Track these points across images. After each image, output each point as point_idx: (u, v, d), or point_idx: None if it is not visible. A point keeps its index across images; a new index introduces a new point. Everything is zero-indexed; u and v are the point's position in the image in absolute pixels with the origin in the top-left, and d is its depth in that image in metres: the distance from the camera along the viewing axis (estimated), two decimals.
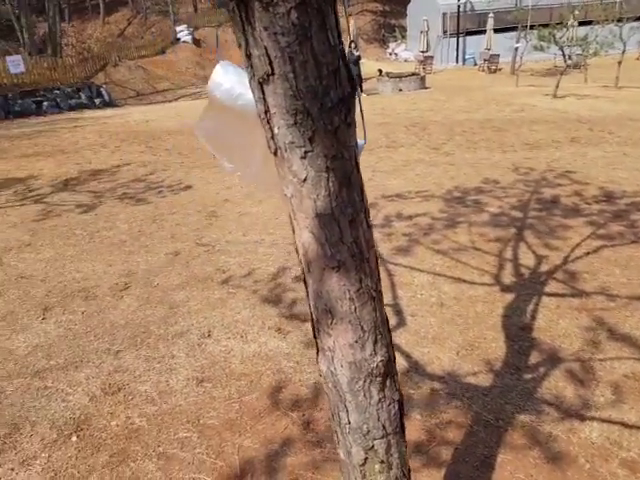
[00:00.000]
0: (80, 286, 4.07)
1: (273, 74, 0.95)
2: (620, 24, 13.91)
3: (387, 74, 16.03)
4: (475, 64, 20.87)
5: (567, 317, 3.40)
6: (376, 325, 1.21)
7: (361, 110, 1.32)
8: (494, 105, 12.34)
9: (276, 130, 1.02)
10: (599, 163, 7.09)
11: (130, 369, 3.01)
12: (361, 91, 14.76)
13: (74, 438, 2.50)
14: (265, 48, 0.93)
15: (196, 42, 27.11)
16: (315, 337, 1.30)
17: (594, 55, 13.45)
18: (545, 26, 13.45)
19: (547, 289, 3.77)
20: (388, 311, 3.52)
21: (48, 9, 19.78)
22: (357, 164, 1.14)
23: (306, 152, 1.01)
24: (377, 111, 12.33)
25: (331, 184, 1.05)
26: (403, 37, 25.64)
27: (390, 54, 25.47)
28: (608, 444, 2.35)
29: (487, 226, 4.96)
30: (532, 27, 15.18)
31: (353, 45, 14.95)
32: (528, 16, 16.56)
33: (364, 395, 1.22)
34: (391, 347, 1.30)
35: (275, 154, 1.08)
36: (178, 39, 26.42)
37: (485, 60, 19.35)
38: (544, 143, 8.45)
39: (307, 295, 1.25)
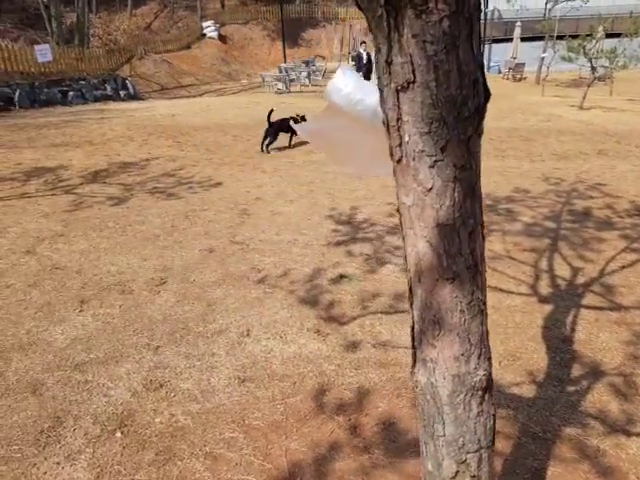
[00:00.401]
0: (116, 280, 4.10)
1: (414, 82, 0.94)
2: None
3: None
4: (499, 72, 20.73)
5: (606, 330, 3.36)
6: (482, 339, 1.21)
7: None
8: (520, 114, 12.25)
9: (406, 138, 1.02)
10: (629, 177, 7.02)
11: (171, 365, 3.03)
12: None
13: (118, 434, 2.51)
14: (410, 56, 0.92)
15: (222, 38, 27.21)
16: (414, 348, 1.29)
17: (623, 68, 13.27)
18: (574, 37, 13.31)
19: (585, 301, 3.73)
20: None
21: None
22: (480, 175, 1.13)
23: (436, 161, 1.01)
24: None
25: (456, 194, 1.05)
26: None
27: None
28: None
29: (521, 235, 4.92)
30: (559, 37, 15.03)
31: (364, 46, 14.90)
32: (555, 26, 16.39)
33: (464, 408, 1.22)
34: (491, 361, 1.29)
35: (398, 162, 1.07)
36: (204, 35, 26.54)
37: (510, 69, 19.21)
38: (572, 154, 8.37)
39: (410, 305, 1.25)
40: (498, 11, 20.20)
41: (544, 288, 3.93)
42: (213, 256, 4.50)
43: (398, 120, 1.02)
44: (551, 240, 4.82)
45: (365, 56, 14.64)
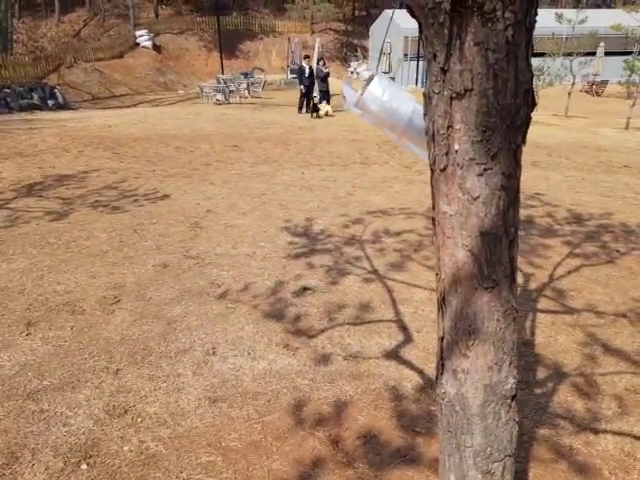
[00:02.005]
0: (64, 299, 3.80)
1: (471, 90, 0.93)
2: (570, 58, 14.92)
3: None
4: None
5: (563, 333, 3.54)
6: (513, 347, 1.21)
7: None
8: None
9: (456, 146, 1.01)
10: (563, 187, 7.52)
11: (134, 389, 2.83)
12: (328, 104, 14.94)
13: (84, 466, 2.30)
14: (470, 63, 0.91)
15: (156, 48, 26.51)
16: (442, 359, 1.27)
17: (549, 85, 14.33)
18: None
19: (540, 306, 3.92)
20: (393, 327, 3.53)
21: None
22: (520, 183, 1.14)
23: (485, 169, 1.01)
24: (346, 128, 12.51)
25: (502, 203, 1.05)
26: (364, 57, 26.28)
27: (352, 73, 26.00)
28: (624, 456, 2.46)
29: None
30: None
31: (322, 62, 15.14)
32: None
33: (493, 417, 1.21)
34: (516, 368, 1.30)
35: (443, 170, 1.06)
36: (137, 44, 25.73)
37: None
38: None
39: (441, 316, 1.22)
40: None
41: None
42: (168, 272, 4.29)
43: (449, 128, 1.01)
44: None
45: (307, 70, 14.80)
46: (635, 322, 3.70)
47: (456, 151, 1.02)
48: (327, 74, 14.66)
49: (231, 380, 2.94)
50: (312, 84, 14.74)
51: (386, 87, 1.59)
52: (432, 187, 1.15)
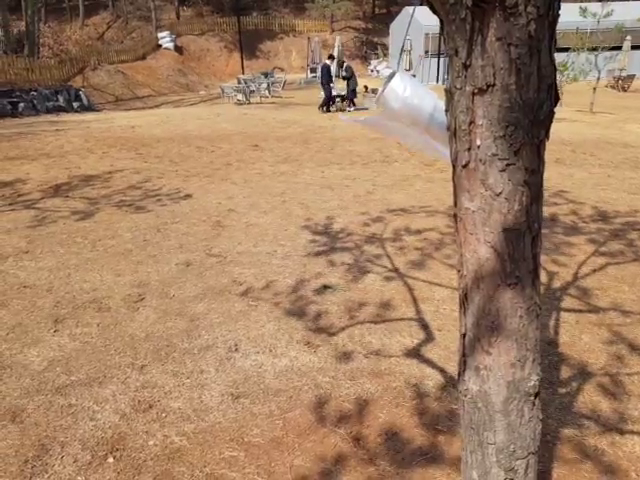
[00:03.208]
0: (90, 297, 3.90)
1: (494, 85, 0.94)
2: (595, 53, 14.58)
3: (373, 90, 16.26)
4: None
5: (588, 332, 3.48)
6: (537, 344, 1.20)
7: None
8: None
9: (478, 142, 1.01)
10: (587, 184, 7.36)
11: (159, 385, 2.89)
12: (354, 105, 14.96)
13: (110, 459, 2.37)
14: (493, 58, 0.91)
15: (178, 49, 26.86)
16: (464, 356, 1.27)
17: (574, 80, 14.01)
18: None
19: (564, 305, 3.85)
20: (414, 325, 3.52)
21: (26, 7, 19.22)
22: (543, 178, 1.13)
23: (508, 165, 1.01)
24: (367, 126, 12.46)
25: (524, 198, 1.05)
26: (385, 55, 26.13)
27: (372, 71, 25.87)
28: None
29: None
30: None
31: (344, 61, 15.15)
32: None
33: (516, 414, 1.21)
34: (540, 365, 1.29)
35: (465, 166, 1.06)
36: (159, 45, 26.10)
37: None
38: None
39: (463, 312, 1.23)
40: None
41: None
42: (191, 270, 4.36)
43: (471, 124, 1.01)
44: None
45: (350, 71, 14.81)
46: None
47: (478, 147, 1.02)
48: (352, 72, 14.69)
49: (253, 377, 2.97)
50: (330, 82, 14.76)
51: (407, 84, 1.59)
52: (454, 184, 1.15)
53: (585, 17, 17.85)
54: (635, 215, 5.92)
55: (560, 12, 0.96)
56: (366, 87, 15.75)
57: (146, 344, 3.28)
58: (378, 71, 25.32)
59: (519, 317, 1.14)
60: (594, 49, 14.84)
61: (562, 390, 2.89)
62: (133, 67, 23.85)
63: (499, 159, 1.01)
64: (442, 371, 3.04)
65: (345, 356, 3.17)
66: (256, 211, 5.98)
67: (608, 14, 17.56)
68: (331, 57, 15.44)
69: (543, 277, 4.27)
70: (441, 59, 21.87)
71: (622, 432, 2.57)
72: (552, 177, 7.75)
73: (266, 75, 22.64)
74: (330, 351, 3.23)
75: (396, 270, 4.42)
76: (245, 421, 2.61)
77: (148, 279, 4.18)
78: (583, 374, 3.03)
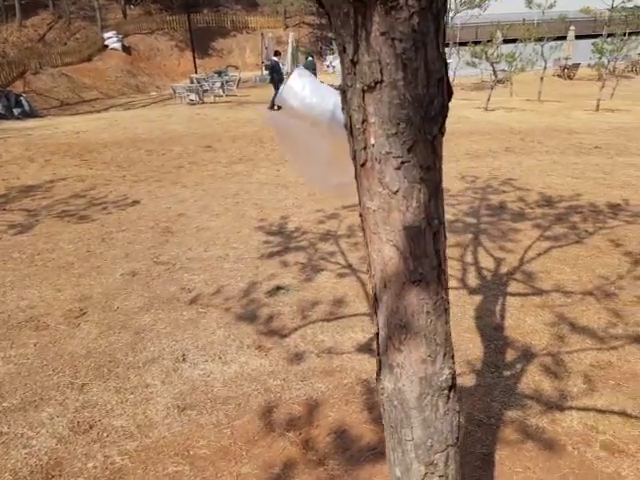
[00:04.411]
0: (27, 315, 3.70)
1: (382, 82, 0.90)
2: (541, 43, 15.07)
3: (330, 86, 16.23)
4: None
5: (532, 315, 3.57)
6: (447, 338, 1.19)
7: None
8: None
9: (372, 140, 0.98)
10: (535, 171, 7.57)
11: (100, 403, 2.76)
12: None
13: None
14: (378, 54, 0.88)
15: (126, 50, 26.04)
16: (379, 355, 1.25)
17: (521, 71, 14.44)
18: (476, 43, 14.28)
19: (509, 289, 3.94)
20: (367, 320, 3.51)
21: None
22: (442, 174, 1.12)
23: (402, 162, 0.98)
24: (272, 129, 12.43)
25: (422, 195, 1.02)
26: None
27: (328, 66, 25.87)
28: (587, 430, 2.50)
29: (445, 232, 5.11)
30: (461, 44, 16.04)
31: (278, 57, 15.04)
32: (458, 33, 17.51)
33: (431, 409, 1.20)
34: (454, 359, 1.28)
35: (363, 165, 1.03)
36: (106, 46, 25.23)
37: None
38: (483, 153, 8.91)
39: (375, 312, 1.20)
40: None
41: (472, 280, 4.10)
42: (137, 280, 4.20)
43: (364, 122, 0.98)
44: (473, 234, 5.06)
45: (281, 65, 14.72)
46: (601, 299, 3.75)
47: (373, 145, 0.99)
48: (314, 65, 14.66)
49: (201, 386, 2.88)
50: (282, 80, 14.66)
51: (306, 81, 1.55)
52: (357, 183, 1.12)
53: (531, 8, 18.44)
54: (578, 199, 6.13)
55: (448, 6, 0.93)
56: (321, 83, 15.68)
57: (87, 361, 3.13)
58: (334, 67, 25.35)
59: (426, 313, 1.13)
60: (540, 39, 15.32)
61: (507, 373, 2.94)
62: (78, 69, 22.96)
63: (393, 157, 0.98)
64: None
65: (297, 357, 3.13)
66: (208, 214, 5.85)
67: (552, 5, 18.19)
68: (277, 54, 15.29)
69: (490, 264, 4.36)
70: None
71: (562, 409, 2.65)
72: (502, 165, 7.95)
73: (220, 74, 22.25)
74: (282, 353, 3.17)
75: (350, 266, 4.41)
76: (191, 433, 2.52)
77: (91, 292, 4.00)
78: (527, 356, 3.10)
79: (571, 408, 2.66)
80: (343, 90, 1.01)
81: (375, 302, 1.20)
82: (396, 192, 1.02)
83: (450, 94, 1.01)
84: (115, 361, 3.13)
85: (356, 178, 1.11)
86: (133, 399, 2.79)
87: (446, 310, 1.18)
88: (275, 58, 14.81)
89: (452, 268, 4.32)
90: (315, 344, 3.25)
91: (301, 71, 1.61)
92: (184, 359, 3.14)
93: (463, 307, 3.69)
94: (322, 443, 2.43)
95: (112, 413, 2.68)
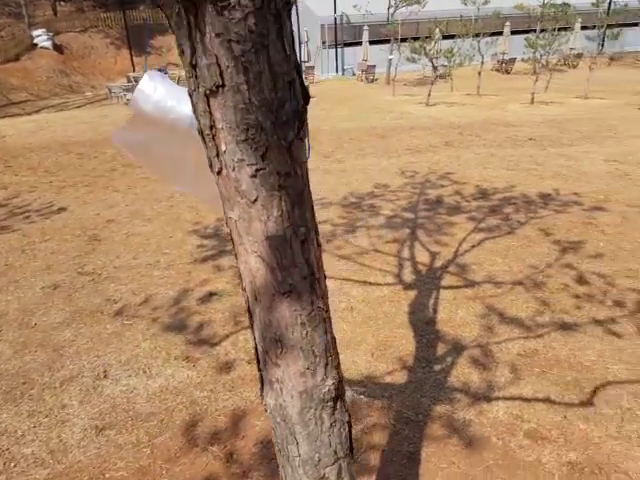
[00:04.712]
0: None
1: (223, 85, 0.83)
2: (478, 39, 15.50)
3: None
4: (354, 74, 21.80)
5: (464, 307, 3.62)
6: (327, 348, 1.13)
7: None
8: (375, 113, 12.97)
9: (223, 147, 0.90)
10: (472, 164, 7.75)
11: (10, 430, 2.55)
12: None
13: None
14: (216, 57, 0.81)
15: (58, 48, 24.72)
16: (260, 370, 1.17)
17: (459, 66, 14.79)
18: (416, 39, 14.51)
19: (443, 282, 3.99)
20: None
21: None
22: (308, 180, 1.05)
23: (257, 170, 0.91)
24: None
25: (283, 203, 0.95)
26: None
27: None
28: (512, 419, 2.55)
29: (383, 228, 5.13)
30: (403, 40, 16.26)
31: None
32: (399, 29, 17.73)
33: (315, 423, 1.13)
34: (340, 368, 1.22)
35: (219, 173, 0.95)
36: (35, 45, 23.86)
37: (363, 71, 20.29)
38: (423, 148, 9.04)
39: (251, 326, 1.13)
40: (346, 16, 21.22)
41: (408, 275, 4.12)
42: (58, 293, 3.95)
43: (212, 128, 0.90)
44: (410, 229, 5.10)
45: None
46: (530, 288, 3.85)
47: (224, 152, 0.92)
48: None
49: (122, 404, 2.72)
50: None
51: (158, 83, 1.45)
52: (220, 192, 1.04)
53: (466, 5, 18.95)
54: (511, 190, 6.31)
55: (292, 4, 0.87)
56: None
57: None
58: None
59: (301, 325, 1.06)
60: (477, 35, 15.74)
61: (438, 367, 2.96)
62: (5, 70, 21.60)
63: (247, 164, 0.92)
64: None
65: (227, 366, 3.02)
66: (139, 219, 5.60)
67: (486, 2, 18.76)
68: None
69: (426, 259, 4.39)
70: (339, 50, 22.16)
71: (489, 400, 2.68)
72: (441, 160, 8.10)
73: (159, 72, 21.57)
74: (211, 363, 3.05)
75: None
76: (108, 455, 2.37)
77: (7, 309, 3.72)
78: (457, 348, 3.13)
79: (498, 399, 2.70)
80: (190, 95, 0.93)
81: (249, 316, 1.12)
82: (254, 201, 0.95)
83: (307, 97, 0.95)
84: (29, 382, 2.91)
85: (218, 187, 1.03)
86: (47, 423, 2.60)
87: (324, 320, 1.12)
88: None
89: (389, 264, 4.33)
90: (246, 350, 3.15)
91: (152, 73, 1.51)
92: (105, 375, 2.96)
93: (398, 303, 3.69)
94: (247, 455, 2.34)
95: (23, 440, 2.49)
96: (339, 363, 1.22)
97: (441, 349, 3.13)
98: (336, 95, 16.95)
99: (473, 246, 4.65)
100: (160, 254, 4.64)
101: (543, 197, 6.02)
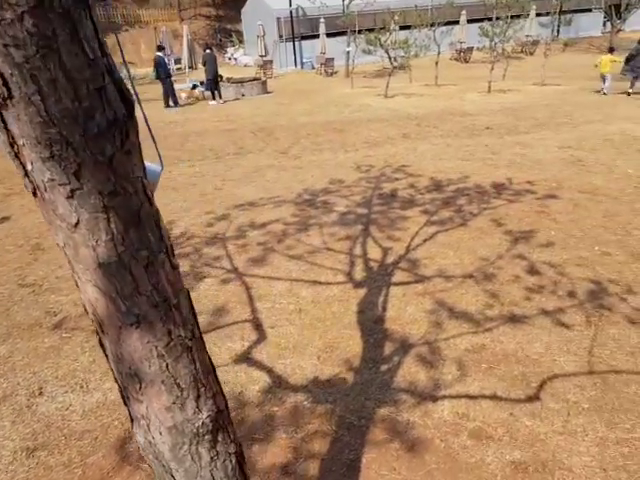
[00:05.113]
0: None
1: (11, 97, 0.74)
2: (433, 28, 15.60)
3: (228, 79, 15.79)
4: (313, 68, 21.66)
5: (413, 303, 3.62)
6: (196, 378, 1.06)
7: (150, 131, 1.15)
8: (334, 107, 12.92)
9: (29, 166, 0.81)
10: (428, 155, 7.80)
11: None
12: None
13: None
14: None
15: None
16: (127, 406, 1.09)
17: (415, 57, 14.87)
18: (371, 30, 14.48)
19: (394, 279, 3.98)
20: (247, 327, 3.38)
21: None
22: (149, 197, 0.97)
23: (72, 190, 0.83)
24: (222, 117, 12.08)
25: (113, 226, 0.87)
26: (240, 42, 25.56)
27: (229, 59, 25.19)
28: (458, 419, 2.53)
29: (336, 225, 5.10)
30: (360, 32, 16.22)
31: (163, 52, 14.45)
32: (356, 21, 17.68)
33: (192, 459, 1.07)
34: (220, 396, 1.15)
35: (34, 195, 0.86)
36: None
37: (322, 64, 20.18)
38: (381, 140, 9.05)
39: (107, 359, 1.05)
40: (302, 9, 21.04)
41: (358, 273, 4.10)
42: None
43: (13, 145, 0.81)
44: (363, 225, 5.08)
45: (167, 60, 14.13)
46: (480, 281, 3.88)
47: (32, 172, 0.84)
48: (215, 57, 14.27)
49: (57, 422, 2.62)
50: (168, 76, 14.05)
51: None
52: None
53: None
54: (465, 181, 6.38)
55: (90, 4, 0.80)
56: (220, 76, 15.22)
57: None
58: (236, 59, 24.77)
59: (158, 357, 1.00)
60: (432, 25, 15.84)
61: (384, 367, 2.94)
62: None
63: (59, 184, 0.83)
64: (270, 371, 2.94)
65: None
66: None
67: None
68: (160, 48, 14.58)
69: (377, 255, 4.39)
70: (296, 43, 21.96)
71: (435, 399, 2.67)
72: (398, 152, 8.12)
73: None
74: None
75: (235, 270, 4.25)
76: (37, 479, 2.27)
77: None
78: (405, 347, 3.12)
79: (444, 397, 2.68)
80: None
81: (102, 348, 1.05)
82: (76, 225, 0.87)
83: (130, 105, 0.87)
84: None
85: None
86: None
87: (189, 348, 1.05)
88: (159, 53, 14.11)
89: (340, 262, 4.31)
90: None
91: None
92: (41, 392, 2.84)
93: (347, 302, 3.67)
94: None
95: None
96: (218, 391, 1.15)
97: (388, 348, 3.12)
98: (294, 89, 16.81)
99: (425, 240, 4.67)
100: None
101: (497, 187, 6.10)
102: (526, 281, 3.85)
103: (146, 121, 1.14)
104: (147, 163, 1.03)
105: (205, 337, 3.19)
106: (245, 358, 3.07)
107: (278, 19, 21.16)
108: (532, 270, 4.01)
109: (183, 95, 14.87)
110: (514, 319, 3.35)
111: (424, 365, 2.95)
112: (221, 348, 3.17)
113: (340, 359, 3.02)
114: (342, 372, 2.91)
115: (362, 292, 3.79)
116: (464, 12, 21.74)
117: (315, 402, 2.65)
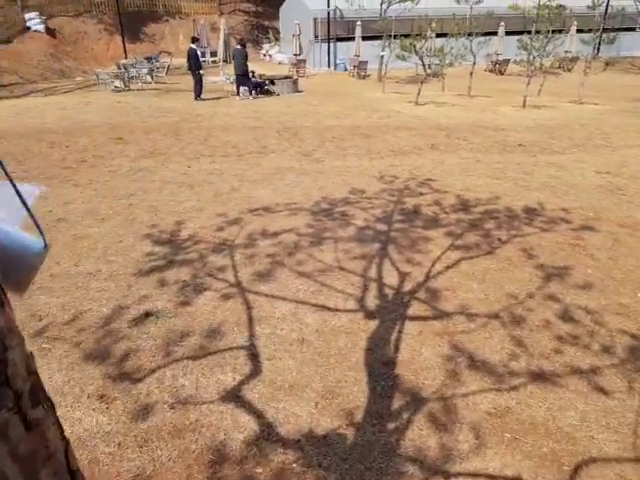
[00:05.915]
0: None
1: None
2: (470, 38, 15.05)
3: (260, 76, 15.53)
4: (346, 69, 21.26)
5: (429, 345, 3.21)
6: None
7: (25, 205, 0.83)
8: (363, 111, 12.52)
9: None
10: (455, 170, 7.34)
11: None
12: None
13: None
14: None
15: (50, 32, 24.00)
16: None
17: (449, 65, 14.35)
18: (407, 36, 14.02)
19: (410, 312, 3.58)
20: (242, 356, 3.02)
21: None
22: None
23: None
24: (249, 114, 11.80)
25: None
26: (277, 39, 25.29)
27: (264, 55, 24.97)
28: None
29: (352, 241, 4.72)
30: (395, 37, 15.77)
31: (196, 43, 14.27)
32: (392, 26, 17.22)
33: None
34: None
35: None
36: (28, 28, 23.13)
37: (355, 66, 19.79)
38: (408, 150, 8.63)
39: None
40: (340, 10, 20.66)
41: (371, 301, 3.71)
42: None
43: None
44: (381, 244, 4.69)
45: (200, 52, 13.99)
46: (507, 324, 3.45)
47: None
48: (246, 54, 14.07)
49: None
50: (199, 68, 13.91)
51: None
52: None
53: (459, 3, 18.50)
54: (495, 202, 5.92)
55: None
56: (252, 72, 14.96)
57: None
58: (271, 56, 24.55)
59: None
60: (469, 35, 15.30)
61: (390, 425, 2.54)
62: None
63: None
64: (259, 416, 2.58)
65: (145, 410, 2.60)
66: (91, 219, 5.15)
67: (479, 1, 18.30)
68: (195, 40, 14.41)
69: (394, 280, 3.99)
70: (331, 44, 21.61)
71: (447, 476, 2.26)
72: (425, 164, 7.68)
73: (150, 59, 20.97)
74: (128, 405, 2.63)
75: (238, 284, 3.91)
76: None
77: None
78: (416, 401, 2.72)
79: (458, 475, 2.26)
80: None
81: None
82: None
83: None
84: None
85: None
86: None
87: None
88: (193, 45, 13.97)
89: (352, 285, 3.93)
90: (172, 391, 2.74)
91: None
92: None
93: (355, 335, 3.28)
94: None
95: None
96: None
97: (397, 401, 2.71)
98: (325, 90, 16.44)
99: (448, 267, 4.25)
100: (104, 262, 4.20)
101: (528, 212, 5.63)
102: (558, 328, 3.40)
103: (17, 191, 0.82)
104: (24, 237, 0.72)
105: (193, 364, 2.82)
106: (234, 396, 2.71)
107: (315, 19, 20.85)
108: (565, 316, 3.55)
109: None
110: (544, 377, 2.91)
111: (437, 428, 2.53)
112: (209, 380, 2.83)
113: (341, 409, 2.64)
114: (341, 427, 2.52)
115: (373, 325, 3.40)
116: (502, 24, 21.10)
117: (306, 466, 2.27)
